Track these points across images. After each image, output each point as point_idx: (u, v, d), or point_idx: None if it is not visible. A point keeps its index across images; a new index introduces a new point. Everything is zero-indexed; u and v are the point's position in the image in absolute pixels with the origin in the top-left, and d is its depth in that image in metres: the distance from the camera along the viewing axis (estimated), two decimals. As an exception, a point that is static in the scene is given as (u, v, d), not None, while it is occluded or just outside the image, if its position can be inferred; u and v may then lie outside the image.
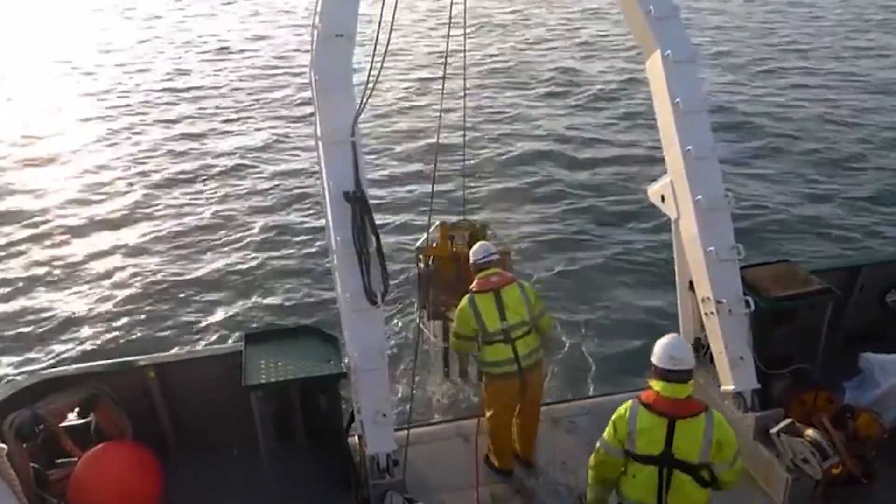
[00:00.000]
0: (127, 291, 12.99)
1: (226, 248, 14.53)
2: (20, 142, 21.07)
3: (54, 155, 19.96)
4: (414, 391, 7.23)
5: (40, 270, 13.78)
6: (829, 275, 6.98)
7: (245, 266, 13.80)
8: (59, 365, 10.63)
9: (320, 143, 5.26)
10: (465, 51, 6.93)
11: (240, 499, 5.98)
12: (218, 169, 18.70)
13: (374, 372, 5.24)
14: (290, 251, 14.30)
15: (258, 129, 21.97)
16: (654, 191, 6.33)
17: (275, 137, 21.06)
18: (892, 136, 19.97)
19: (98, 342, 11.57)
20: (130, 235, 15.17)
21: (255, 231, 15.17)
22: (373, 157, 18.51)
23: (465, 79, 7.45)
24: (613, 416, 4.55)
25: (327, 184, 5.18)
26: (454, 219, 8.11)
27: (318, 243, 13.93)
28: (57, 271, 13.76)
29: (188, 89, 26.78)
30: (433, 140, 9.37)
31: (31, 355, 11.28)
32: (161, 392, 6.26)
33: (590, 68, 28.41)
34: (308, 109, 6.26)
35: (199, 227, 15.40)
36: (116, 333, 11.81)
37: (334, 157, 5.18)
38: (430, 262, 7.83)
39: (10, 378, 10.22)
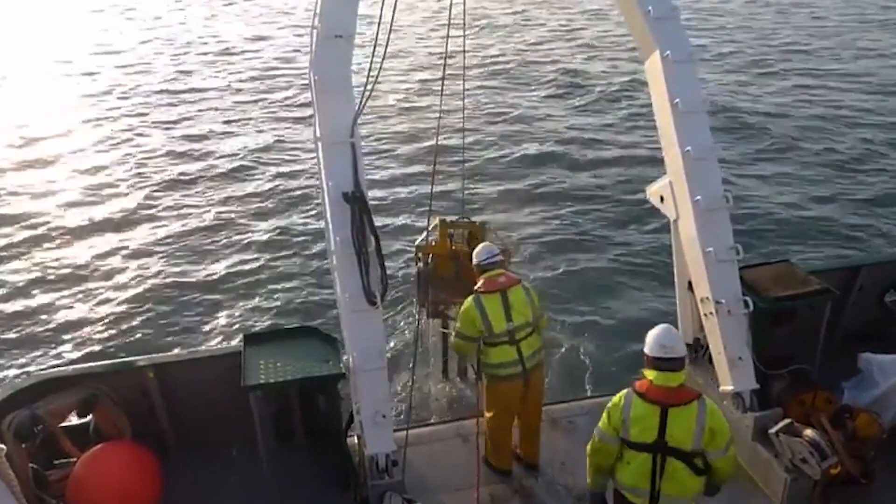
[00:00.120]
0: (126, 292, 12.99)
1: (226, 250, 14.52)
2: (20, 143, 21.07)
3: (54, 156, 19.95)
4: (413, 391, 7.22)
5: (40, 271, 13.77)
6: (828, 275, 6.98)
7: (245, 267, 13.79)
8: (58, 365, 10.63)
9: (319, 144, 5.27)
10: (464, 51, 6.95)
11: (239, 499, 5.97)
12: (218, 170, 18.68)
13: (373, 372, 5.24)
14: (291, 253, 14.29)
15: (259, 131, 21.98)
16: (653, 191, 6.34)
17: (276, 139, 21.06)
18: (893, 137, 19.98)
19: (97, 343, 11.56)
20: (130, 236, 15.16)
21: (256, 232, 15.17)
22: (372, 157, 18.52)
23: (464, 79, 7.48)
24: (608, 405, 4.62)
25: (326, 184, 5.19)
26: (453, 217, 8.12)
27: (319, 245, 13.91)
28: (56, 272, 13.75)
29: (189, 90, 26.78)
30: (433, 141, 9.38)
31: (31, 355, 11.27)
32: (160, 392, 6.26)
33: (590, 69, 28.42)
34: (309, 111, 6.27)
35: (199, 229, 15.39)
36: (116, 334, 11.80)
37: (333, 158, 5.19)
38: (429, 261, 7.83)
39: (9, 378, 10.24)
